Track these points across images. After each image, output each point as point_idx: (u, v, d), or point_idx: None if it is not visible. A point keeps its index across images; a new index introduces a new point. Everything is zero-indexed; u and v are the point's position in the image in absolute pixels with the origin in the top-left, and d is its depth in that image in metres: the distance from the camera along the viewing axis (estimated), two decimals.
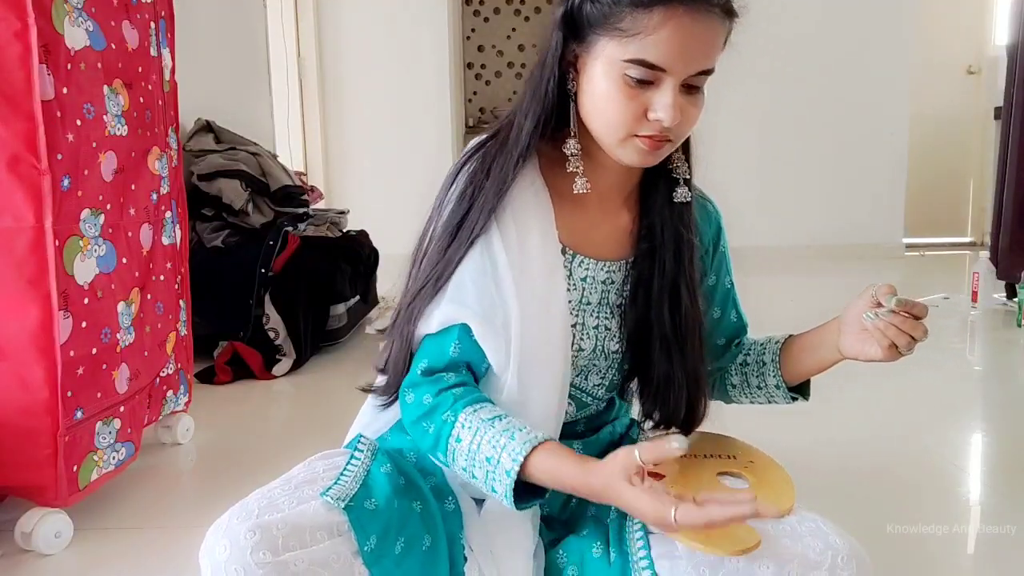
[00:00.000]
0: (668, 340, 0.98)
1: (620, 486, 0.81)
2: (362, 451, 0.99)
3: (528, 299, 0.94)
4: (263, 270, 2.66)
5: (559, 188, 0.98)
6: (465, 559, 0.94)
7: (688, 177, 0.99)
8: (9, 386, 1.41)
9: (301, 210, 2.96)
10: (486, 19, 6.00)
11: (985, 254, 3.86)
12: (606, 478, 0.83)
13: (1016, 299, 3.12)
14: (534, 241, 0.95)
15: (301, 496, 0.87)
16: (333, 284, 2.83)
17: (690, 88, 0.89)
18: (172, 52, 1.87)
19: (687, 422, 1.04)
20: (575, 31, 0.91)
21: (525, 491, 0.88)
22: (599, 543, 0.94)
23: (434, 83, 4.55)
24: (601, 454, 1.05)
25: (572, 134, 0.95)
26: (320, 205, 3.39)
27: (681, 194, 0.98)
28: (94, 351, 1.49)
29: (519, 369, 0.94)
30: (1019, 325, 3.05)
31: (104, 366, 1.53)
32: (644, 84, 0.87)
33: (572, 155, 0.95)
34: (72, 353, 1.43)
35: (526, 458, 0.85)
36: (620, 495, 0.81)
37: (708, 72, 0.89)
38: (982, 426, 2.21)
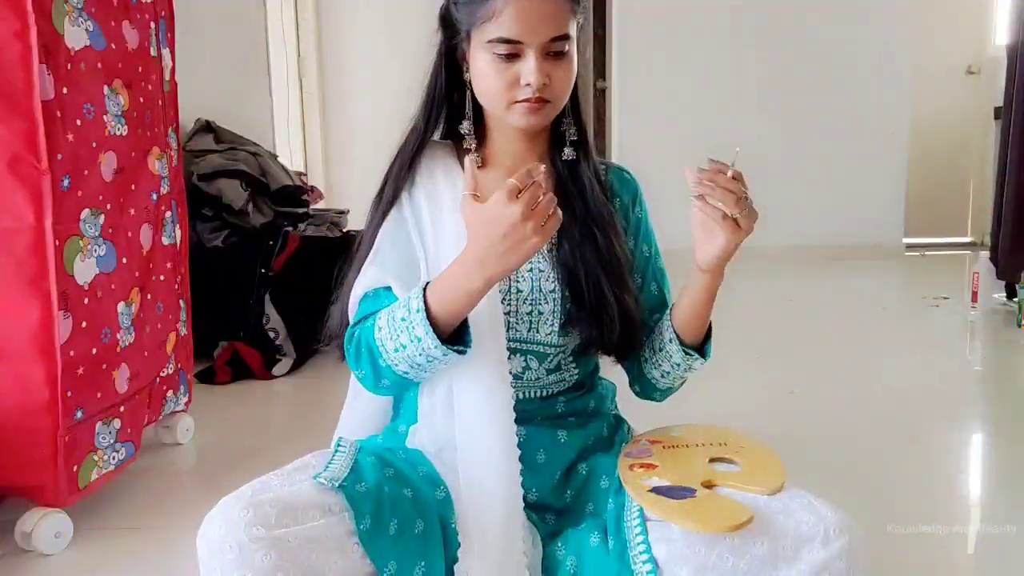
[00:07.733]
0: (595, 271, 1.08)
1: (467, 209, 0.93)
2: (345, 447, 1.03)
3: (443, 256, 1.02)
4: (263, 270, 2.66)
5: (481, 165, 1.12)
6: (458, 544, 0.98)
7: (576, 139, 1.12)
8: (10, 386, 1.41)
9: (301, 210, 2.95)
10: None
11: (985, 254, 3.86)
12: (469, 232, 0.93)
13: (1016, 299, 3.12)
14: (445, 207, 1.08)
15: (293, 480, 0.93)
16: (333, 284, 2.81)
17: (555, 55, 1.03)
18: (172, 52, 1.86)
19: (624, 345, 1.11)
20: (452, 30, 1.09)
21: (451, 339, 0.96)
22: (597, 533, 0.98)
23: None
24: (588, 449, 1.08)
25: (467, 116, 1.10)
26: (320, 205, 3.38)
27: (567, 153, 1.11)
28: (94, 351, 1.49)
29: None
30: (1019, 325, 3.04)
31: (104, 366, 1.53)
32: (511, 57, 1.02)
33: (466, 134, 1.10)
34: (72, 353, 1.43)
35: (426, 291, 0.95)
36: (468, 217, 0.93)
37: (563, 38, 1.03)
38: (982, 426, 2.21)
